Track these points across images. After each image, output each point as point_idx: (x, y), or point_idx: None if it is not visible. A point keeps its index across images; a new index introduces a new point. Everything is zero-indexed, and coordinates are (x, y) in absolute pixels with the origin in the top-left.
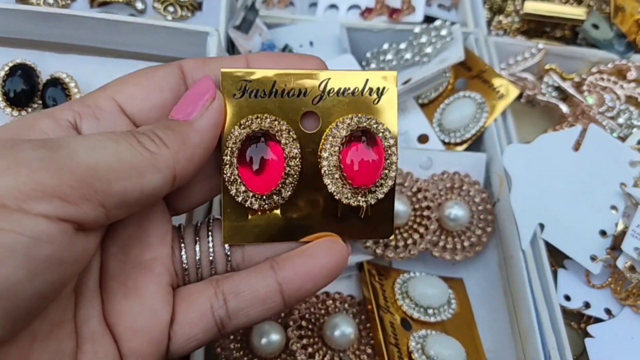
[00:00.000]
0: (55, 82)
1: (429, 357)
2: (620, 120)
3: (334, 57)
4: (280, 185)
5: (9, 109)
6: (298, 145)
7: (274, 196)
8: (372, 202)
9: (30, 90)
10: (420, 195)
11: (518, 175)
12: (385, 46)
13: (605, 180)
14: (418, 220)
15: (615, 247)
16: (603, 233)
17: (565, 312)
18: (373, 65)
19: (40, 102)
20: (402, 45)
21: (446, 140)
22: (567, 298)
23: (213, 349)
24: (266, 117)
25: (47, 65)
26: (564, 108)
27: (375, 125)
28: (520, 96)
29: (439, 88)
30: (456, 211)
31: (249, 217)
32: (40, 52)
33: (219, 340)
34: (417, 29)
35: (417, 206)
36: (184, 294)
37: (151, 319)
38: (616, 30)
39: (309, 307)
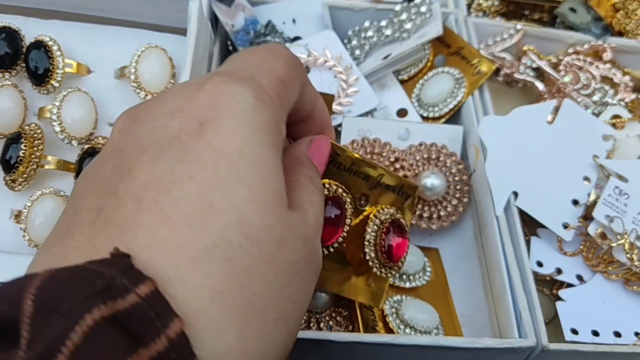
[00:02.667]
0: (39, 45)
1: (403, 321)
2: (595, 98)
3: (316, 33)
4: (334, 243)
5: None
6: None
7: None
8: (390, 275)
9: (14, 53)
10: (397, 165)
11: (493, 145)
12: (367, 23)
13: (578, 152)
14: None
15: (587, 217)
16: (575, 202)
17: (538, 278)
18: (354, 42)
19: (23, 65)
20: (383, 23)
21: (424, 114)
22: (540, 264)
23: None
24: (340, 187)
25: (30, 30)
26: (540, 86)
27: (402, 221)
28: (497, 72)
29: (418, 64)
30: (432, 180)
31: None
32: (23, 17)
33: None
34: (397, 7)
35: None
36: None
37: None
38: (593, 14)
39: None
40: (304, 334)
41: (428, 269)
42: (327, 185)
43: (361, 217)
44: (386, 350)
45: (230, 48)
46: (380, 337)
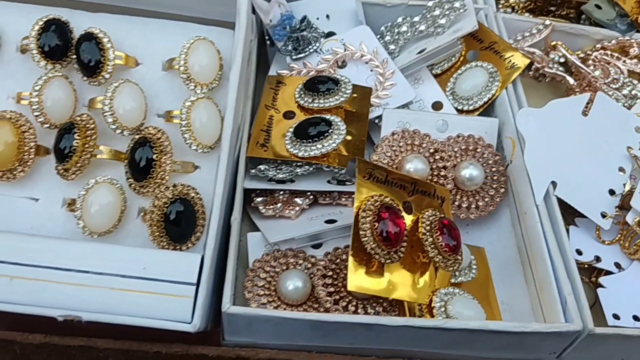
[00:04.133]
0: (90, 37)
1: (449, 315)
2: (625, 91)
3: (350, 28)
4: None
5: (43, 62)
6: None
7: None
8: (452, 269)
9: (63, 45)
10: (437, 156)
11: (531, 136)
12: (400, 19)
13: (612, 143)
14: (435, 180)
15: (623, 207)
16: (612, 192)
17: (577, 266)
18: (387, 38)
19: (73, 56)
20: (416, 18)
21: (459, 107)
22: (579, 252)
23: (242, 295)
24: (387, 197)
25: (78, 23)
26: (571, 80)
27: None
28: (529, 66)
29: (451, 59)
30: (471, 171)
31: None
32: (70, 10)
33: (248, 286)
34: (430, 3)
35: (434, 166)
36: None
37: None
38: (618, 11)
39: (332, 259)
40: (355, 318)
41: (474, 266)
42: (377, 198)
43: (411, 223)
44: (435, 334)
45: (268, 42)
46: (431, 322)
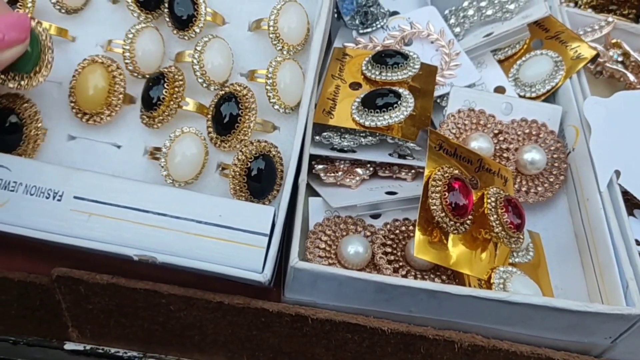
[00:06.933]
0: None
1: (506, 292)
2: None
3: (415, 9)
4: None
5: (137, 12)
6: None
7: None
8: (516, 246)
9: None
10: (501, 137)
11: (597, 124)
12: (465, 3)
13: None
14: (498, 160)
15: None
16: None
17: None
18: (452, 21)
19: (166, 8)
20: (483, 3)
21: (521, 94)
22: (638, 243)
23: (304, 255)
24: (458, 169)
25: None
26: (631, 77)
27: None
28: (594, 60)
29: (515, 46)
30: (534, 155)
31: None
32: None
33: (309, 247)
34: None
35: (497, 147)
36: None
37: None
38: None
39: (391, 230)
40: (420, 284)
41: (531, 249)
42: (447, 170)
43: (476, 198)
44: (497, 307)
45: (336, 15)
46: (496, 294)
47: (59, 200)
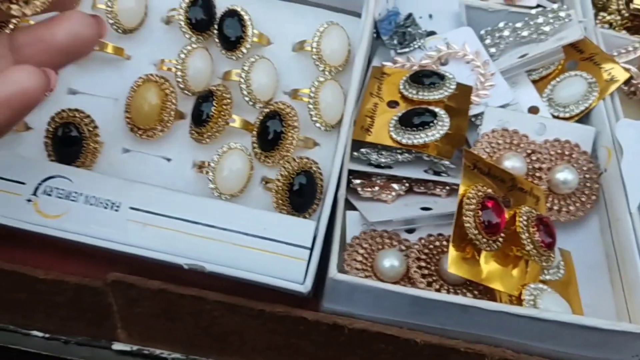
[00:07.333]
0: (233, 14)
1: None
2: None
3: (451, 30)
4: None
5: (189, 33)
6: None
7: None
8: (547, 265)
9: (208, 20)
10: (534, 157)
11: (629, 146)
12: (501, 24)
13: None
14: (530, 179)
15: None
16: None
17: None
18: (488, 41)
19: (216, 30)
20: (518, 24)
21: (555, 114)
22: None
23: (341, 267)
24: (490, 188)
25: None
26: None
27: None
28: (627, 81)
29: (550, 67)
30: (567, 175)
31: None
32: None
33: (347, 259)
34: (533, 11)
35: (530, 167)
36: None
37: None
38: None
39: (426, 245)
40: (453, 299)
41: (561, 267)
42: (481, 188)
43: (508, 217)
44: (527, 323)
45: (375, 35)
46: (527, 310)
47: (116, 210)
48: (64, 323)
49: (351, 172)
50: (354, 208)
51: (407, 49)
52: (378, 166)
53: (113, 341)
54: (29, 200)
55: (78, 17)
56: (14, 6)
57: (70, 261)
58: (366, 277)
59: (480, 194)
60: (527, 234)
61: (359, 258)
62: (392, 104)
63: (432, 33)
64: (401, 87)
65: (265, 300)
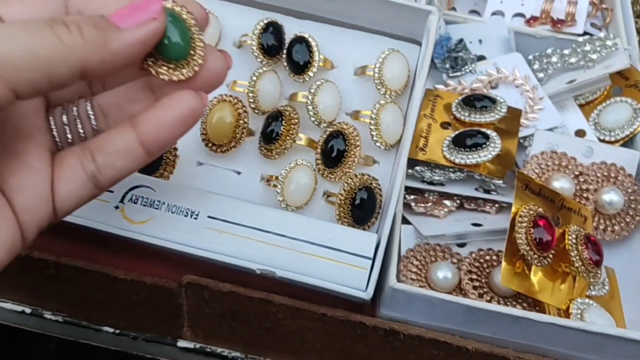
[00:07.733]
0: (301, 40)
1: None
2: None
3: (500, 55)
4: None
5: (261, 57)
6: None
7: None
8: (594, 281)
9: (278, 45)
10: (581, 179)
11: None
12: (549, 50)
13: None
14: (578, 200)
15: None
16: None
17: None
18: (535, 66)
19: (284, 55)
20: (566, 51)
21: (600, 137)
22: None
23: (398, 278)
24: (541, 208)
25: (288, 26)
26: None
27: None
28: None
29: (596, 92)
30: (613, 196)
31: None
32: (282, 15)
33: (402, 270)
34: (580, 39)
35: (577, 187)
36: (58, 157)
37: (34, 176)
38: None
39: (477, 258)
40: (506, 310)
41: (607, 284)
42: (532, 207)
43: (557, 235)
44: (575, 335)
45: None
46: (575, 323)
47: (195, 218)
48: (135, 320)
49: (405, 189)
50: (407, 222)
51: (458, 73)
52: (431, 183)
53: (178, 339)
54: (117, 207)
55: (214, 55)
56: (161, 70)
57: (147, 263)
58: (420, 287)
59: (532, 212)
60: (576, 252)
61: (414, 269)
62: (445, 125)
63: (482, 58)
64: (454, 109)
65: (323, 304)
